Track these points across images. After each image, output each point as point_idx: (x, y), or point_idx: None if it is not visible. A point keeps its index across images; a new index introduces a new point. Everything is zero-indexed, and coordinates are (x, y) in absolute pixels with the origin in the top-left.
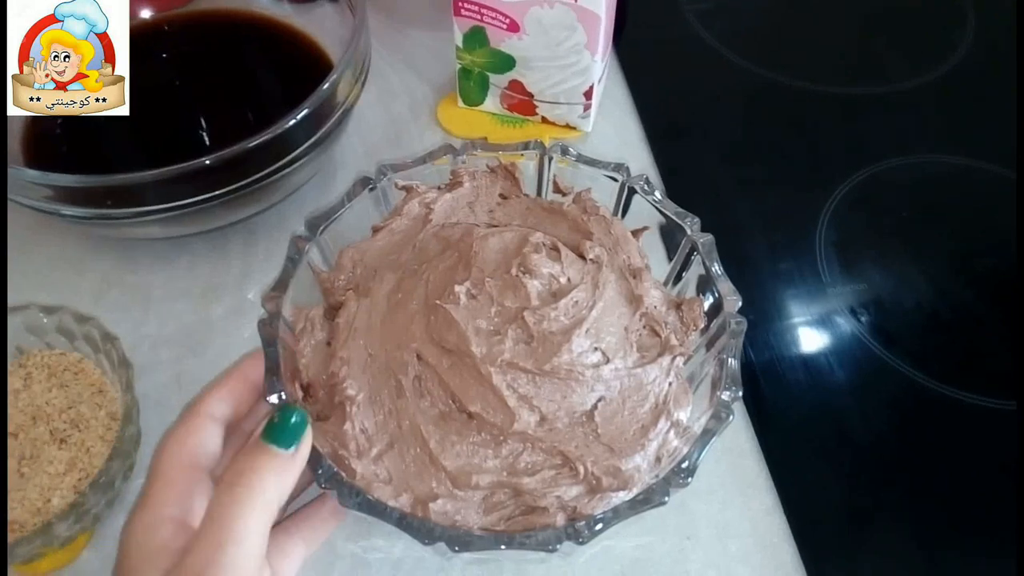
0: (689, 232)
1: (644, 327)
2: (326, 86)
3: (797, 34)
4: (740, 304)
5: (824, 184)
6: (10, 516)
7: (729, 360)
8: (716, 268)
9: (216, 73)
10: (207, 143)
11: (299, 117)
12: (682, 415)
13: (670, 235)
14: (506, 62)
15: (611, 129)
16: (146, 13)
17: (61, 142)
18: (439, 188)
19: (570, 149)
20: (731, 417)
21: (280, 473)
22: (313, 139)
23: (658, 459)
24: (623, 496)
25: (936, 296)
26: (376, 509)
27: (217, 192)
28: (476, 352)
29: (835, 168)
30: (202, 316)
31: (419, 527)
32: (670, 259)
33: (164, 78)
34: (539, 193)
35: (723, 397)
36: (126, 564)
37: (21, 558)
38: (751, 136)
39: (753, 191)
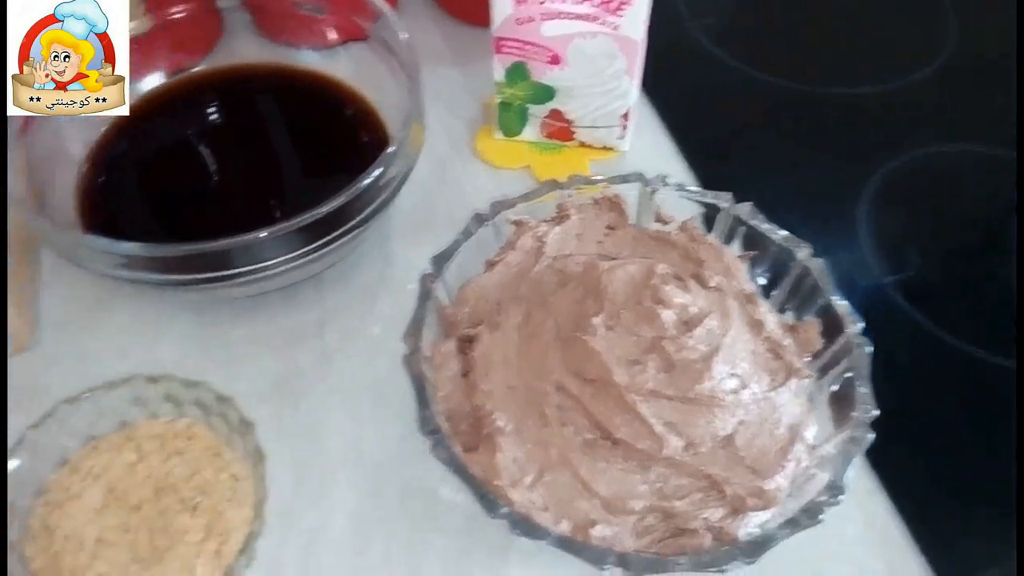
0: (799, 257)
1: (767, 351)
2: (393, 148)
3: (798, 41)
4: (862, 326)
5: (854, 181)
6: None
7: (857, 384)
8: (831, 293)
9: (262, 130)
10: (268, 205)
11: (370, 179)
12: (809, 435)
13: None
14: (547, 93)
15: (645, 146)
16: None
17: (119, 206)
18: (548, 221)
19: (671, 180)
20: (870, 436)
21: None
22: (382, 197)
23: (794, 480)
24: (764, 516)
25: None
26: (543, 535)
27: (298, 252)
28: (620, 381)
29: (862, 166)
30: (289, 366)
31: (588, 552)
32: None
33: (213, 135)
34: (638, 223)
35: (859, 416)
36: None
37: None
38: (773, 140)
39: (790, 194)
